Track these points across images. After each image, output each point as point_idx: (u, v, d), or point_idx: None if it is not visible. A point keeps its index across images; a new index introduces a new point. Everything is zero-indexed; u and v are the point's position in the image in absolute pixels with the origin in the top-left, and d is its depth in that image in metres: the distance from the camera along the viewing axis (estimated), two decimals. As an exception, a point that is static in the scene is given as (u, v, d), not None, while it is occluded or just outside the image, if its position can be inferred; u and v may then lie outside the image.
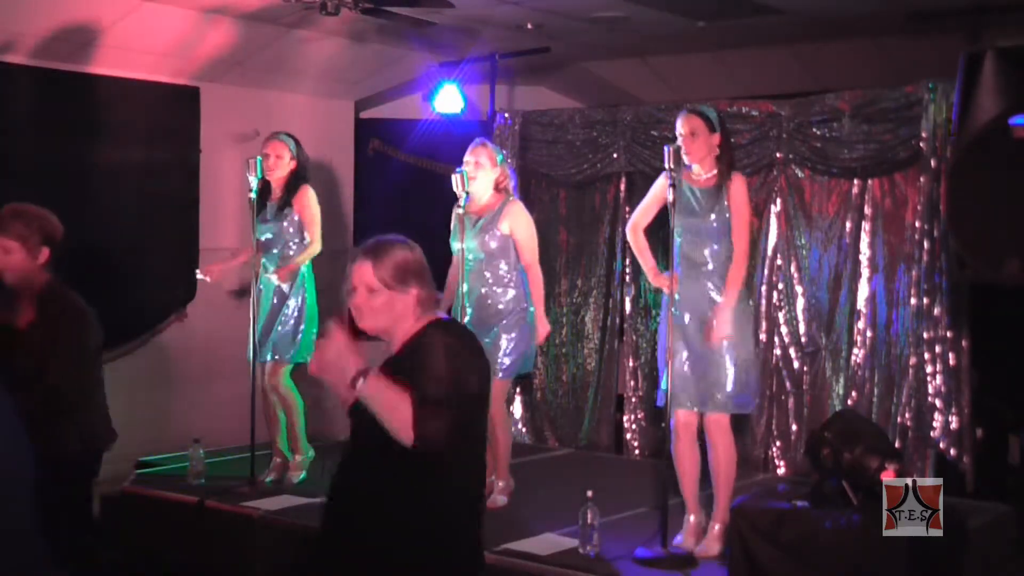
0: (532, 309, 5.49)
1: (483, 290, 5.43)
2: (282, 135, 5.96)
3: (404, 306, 2.92)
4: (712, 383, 4.75)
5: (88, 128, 6.66)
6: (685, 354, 4.79)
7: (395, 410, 2.71)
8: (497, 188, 5.47)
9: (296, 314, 5.88)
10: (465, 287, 5.38)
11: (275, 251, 5.91)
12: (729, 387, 4.75)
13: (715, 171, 4.81)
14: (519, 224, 5.44)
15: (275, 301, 5.90)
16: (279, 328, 5.86)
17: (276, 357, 5.85)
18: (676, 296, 4.74)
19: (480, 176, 5.40)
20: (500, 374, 5.45)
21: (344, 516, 2.90)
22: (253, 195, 5.71)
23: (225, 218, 7.33)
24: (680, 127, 4.80)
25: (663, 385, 4.80)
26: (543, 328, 5.50)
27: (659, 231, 5.34)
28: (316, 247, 5.88)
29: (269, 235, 5.91)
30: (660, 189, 4.92)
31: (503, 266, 5.44)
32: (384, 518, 2.82)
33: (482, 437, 3.02)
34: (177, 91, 7.10)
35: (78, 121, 6.59)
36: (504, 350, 5.40)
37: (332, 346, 2.70)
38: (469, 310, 5.40)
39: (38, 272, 4.01)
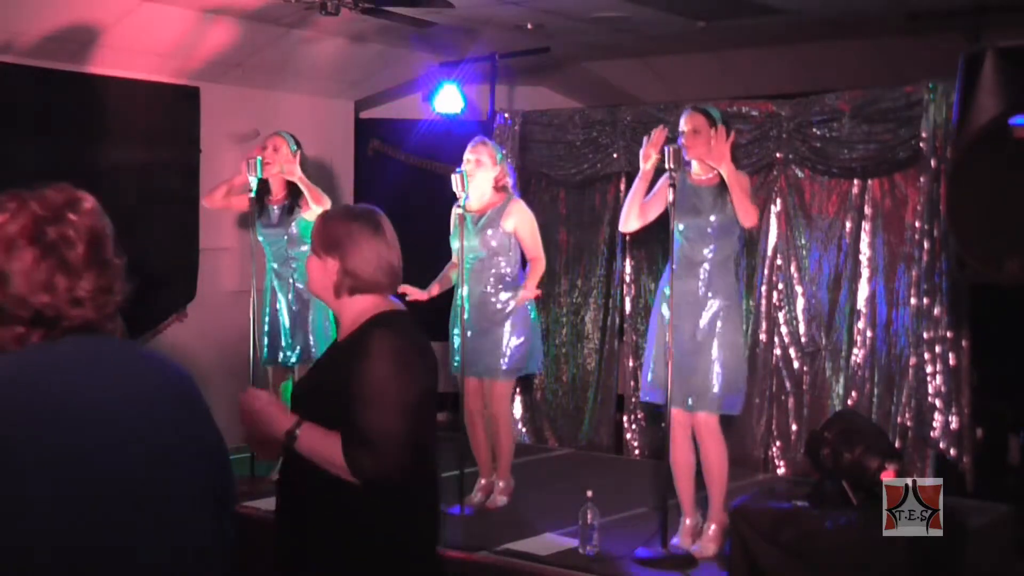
0: (533, 309, 5.48)
1: (484, 290, 5.43)
2: (282, 132, 5.92)
3: (324, 277, 2.77)
4: (700, 383, 4.75)
5: (88, 128, 6.65)
6: (675, 353, 4.80)
7: (331, 461, 2.59)
8: (497, 187, 5.47)
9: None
10: (465, 289, 5.38)
11: (283, 253, 5.88)
12: (716, 388, 4.76)
13: (716, 170, 4.81)
14: (523, 221, 5.44)
15: (296, 308, 5.86)
16: (323, 336, 5.82)
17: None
18: (666, 292, 4.77)
19: (480, 174, 5.39)
20: (503, 375, 5.44)
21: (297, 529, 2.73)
22: (253, 195, 5.70)
23: (225, 218, 7.32)
24: (683, 124, 4.81)
25: (648, 378, 4.91)
26: (528, 292, 5.34)
27: (659, 232, 5.34)
28: None
29: (275, 238, 5.87)
30: (661, 194, 4.92)
31: (503, 265, 5.44)
32: (333, 537, 2.66)
33: (431, 444, 2.81)
34: (177, 91, 7.10)
35: (78, 121, 6.59)
36: (507, 351, 5.40)
37: (255, 405, 2.66)
38: (467, 310, 5.40)
39: None
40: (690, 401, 4.77)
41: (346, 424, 2.61)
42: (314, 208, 5.63)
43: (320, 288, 2.81)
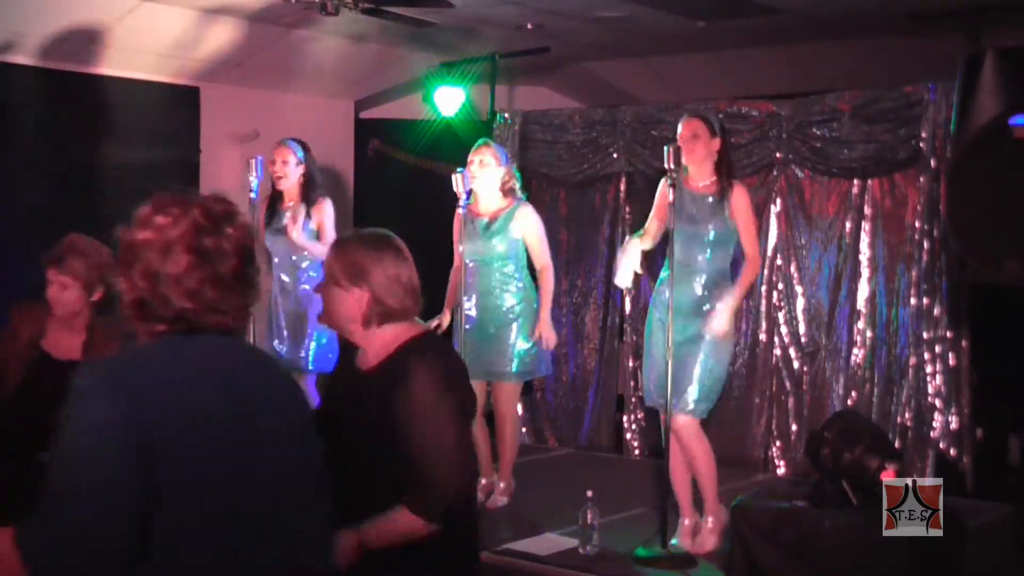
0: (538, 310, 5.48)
1: (490, 293, 5.41)
2: (288, 140, 5.89)
3: (351, 308, 2.70)
4: (683, 387, 4.75)
5: (88, 128, 6.66)
6: (665, 358, 4.79)
7: (409, 533, 2.60)
8: (504, 190, 5.44)
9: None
10: (471, 292, 5.37)
11: (287, 260, 5.87)
12: (696, 393, 4.78)
13: (714, 178, 4.82)
14: (531, 227, 5.42)
15: (295, 314, 5.85)
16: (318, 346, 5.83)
17: (317, 368, 5.82)
18: (664, 298, 4.77)
19: (484, 176, 5.37)
20: (512, 378, 5.42)
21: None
22: (253, 195, 5.68)
23: (225, 218, 7.33)
24: (681, 130, 4.81)
25: (649, 381, 4.94)
26: (548, 333, 5.38)
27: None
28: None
29: (282, 245, 5.86)
30: (662, 199, 4.94)
31: (510, 268, 5.42)
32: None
33: (468, 454, 2.83)
34: (177, 91, 7.11)
35: (79, 121, 6.60)
36: (515, 352, 5.37)
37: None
38: (474, 312, 5.39)
39: (89, 309, 3.98)
40: (673, 404, 4.76)
41: (382, 456, 2.59)
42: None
43: (345, 320, 2.72)
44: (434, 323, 5.24)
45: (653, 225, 5.05)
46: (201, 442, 1.85)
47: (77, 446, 1.79)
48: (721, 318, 4.73)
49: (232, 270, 1.92)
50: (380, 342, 2.73)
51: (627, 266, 5.01)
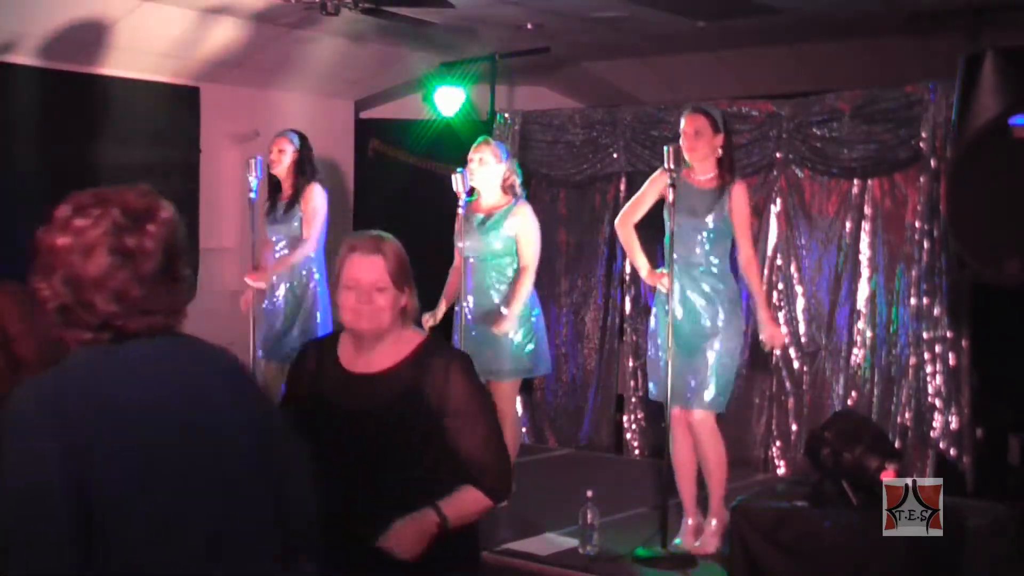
0: (537, 311, 5.46)
1: (486, 290, 5.41)
2: (286, 131, 5.97)
3: (398, 308, 2.80)
4: (698, 382, 4.76)
5: (88, 128, 6.66)
6: (676, 352, 4.80)
7: (481, 510, 2.79)
8: (504, 187, 5.44)
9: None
10: (469, 289, 5.37)
11: (285, 251, 5.90)
12: (712, 387, 4.78)
13: (715, 172, 4.82)
14: (524, 227, 5.40)
15: (295, 303, 5.87)
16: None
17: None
18: (664, 296, 4.77)
19: (484, 173, 5.37)
20: (508, 376, 5.41)
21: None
22: (253, 195, 5.70)
23: (225, 218, 7.33)
24: (684, 125, 4.80)
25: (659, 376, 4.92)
26: (506, 326, 5.22)
27: (660, 233, 5.34)
28: (308, 246, 5.83)
29: (278, 236, 5.90)
30: (656, 184, 4.93)
31: (506, 266, 5.42)
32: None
33: None
34: (177, 91, 7.11)
35: (79, 121, 6.60)
36: (511, 350, 5.37)
37: (407, 545, 2.64)
38: (471, 310, 5.39)
39: None
40: (689, 399, 4.78)
41: (412, 451, 2.73)
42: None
43: (392, 321, 2.81)
44: (426, 319, 5.23)
45: (633, 209, 5.06)
46: (143, 460, 1.79)
47: (14, 484, 1.72)
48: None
49: (156, 268, 1.85)
50: (401, 343, 2.84)
51: (636, 254, 5.05)
